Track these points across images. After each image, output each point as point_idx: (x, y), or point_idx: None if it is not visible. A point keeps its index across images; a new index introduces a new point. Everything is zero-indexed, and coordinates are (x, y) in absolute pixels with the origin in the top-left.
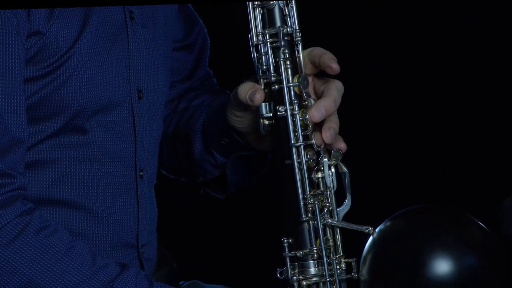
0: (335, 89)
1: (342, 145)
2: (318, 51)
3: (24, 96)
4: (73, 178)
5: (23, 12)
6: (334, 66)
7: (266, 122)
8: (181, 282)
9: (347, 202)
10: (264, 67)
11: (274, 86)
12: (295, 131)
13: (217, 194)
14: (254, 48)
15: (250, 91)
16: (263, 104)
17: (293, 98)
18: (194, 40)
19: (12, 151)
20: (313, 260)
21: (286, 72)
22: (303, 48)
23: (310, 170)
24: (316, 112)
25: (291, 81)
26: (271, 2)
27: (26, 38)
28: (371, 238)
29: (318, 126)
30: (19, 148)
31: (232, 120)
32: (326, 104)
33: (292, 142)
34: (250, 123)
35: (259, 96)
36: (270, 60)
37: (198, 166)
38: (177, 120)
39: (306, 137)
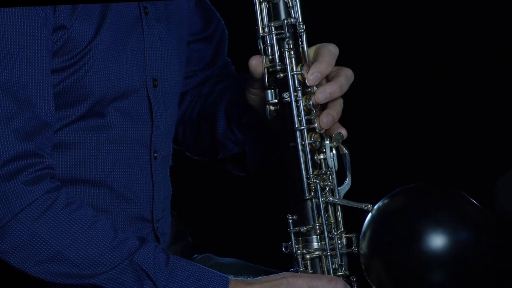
0: (344, 76)
1: (343, 132)
2: (322, 50)
3: (51, 84)
4: (94, 159)
5: (49, 8)
6: (310, 78)
7: (271, 108)
8: (195, 255)
9: (348, 182)
10: (270, 57)
11: (279, 74)
12: (298, 115)
13: (238, 172)
14: (260, 40)
15: (250, 59)
16: (269, 91)
17: (297, 85)
18: (213, 32)
19: (41, 134)
20: (315, 235)
21: (290, 61)
22: (307, 39)
23: (313, 152)
24: (320, 94)
25: (295, 70)
26: None
27: (53, 32)
28: (370, 214)
29: (321, 111)
30: (47, 131)
31: (249, 98)
32: (332, 88)
33: (296, 126)
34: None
35: (255, 61)
36: (275, 51)
37: (220, 143)
38: (202, 103)
39: (309, 122)
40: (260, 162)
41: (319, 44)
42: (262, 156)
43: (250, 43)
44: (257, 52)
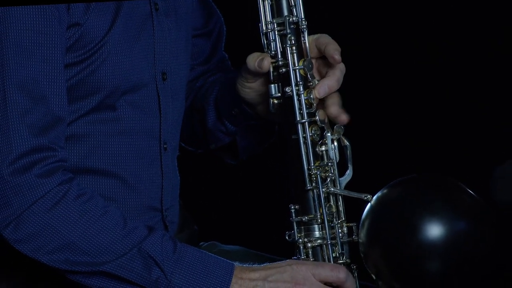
0: (339, 70)
1: (344, 117)
2: (325, 39)
3: (65, 80)
4: (105, 150)
5: (63, 6)
6: (336, 57)
7: (275, 101)
8: (201, 243)
9: (349, 173)
10: (273, 52)
11: (282, 69)
12: (300, 109)
13: (230, 160)
14: (263, 36)
15: (258, 59)
16: (272, 85)
17: (298, 79)
18: (212, 28)
19: (54, 128)
20: (317, 224)
21: (292, 57)
22: (309, 35)
23: (314, 144)
24: (320, 89)
25: (297, 65)
26: None
27: (66, 29)
28: (369, 204)
29: (322, 104)
30: (60, 126)
31: (242, 91)
32: (330, 83)
33: (298, 119)
34: (258, 94)
35: (267, 62)
36: (278, 46)
37: (211, 134)
38: (194, 95)
39: (310, 114)
40: (253, 150)
41: (320, 34)
42: (255, 144)
43: (249, 39)
44: (254, 48)
